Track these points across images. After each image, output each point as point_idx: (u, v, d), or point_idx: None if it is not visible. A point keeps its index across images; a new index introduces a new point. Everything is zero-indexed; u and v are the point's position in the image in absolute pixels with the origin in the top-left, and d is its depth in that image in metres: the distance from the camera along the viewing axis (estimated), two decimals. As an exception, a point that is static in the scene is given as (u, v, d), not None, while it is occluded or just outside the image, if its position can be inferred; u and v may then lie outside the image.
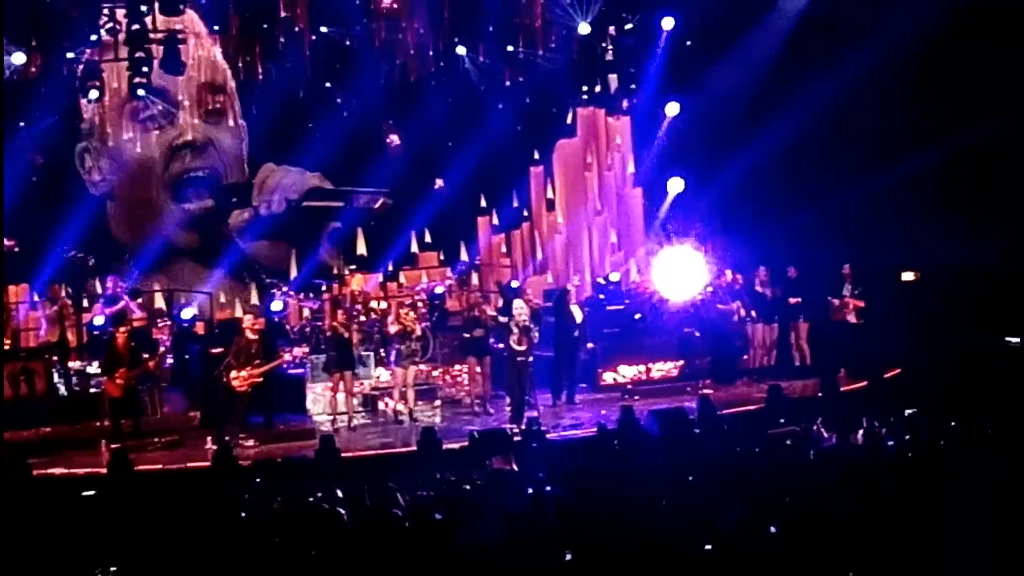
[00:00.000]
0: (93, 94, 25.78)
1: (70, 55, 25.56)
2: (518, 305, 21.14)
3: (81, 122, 26.91)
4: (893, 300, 24.26)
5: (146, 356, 21.23)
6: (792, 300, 24.00)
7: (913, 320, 23.69)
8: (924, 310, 23.95)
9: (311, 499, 12.57)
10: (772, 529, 9.69)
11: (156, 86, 26.15)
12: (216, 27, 27.02)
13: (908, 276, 25.08)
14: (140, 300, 24.99)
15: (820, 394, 20.71)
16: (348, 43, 27.49)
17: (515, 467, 14.96)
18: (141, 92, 25.80)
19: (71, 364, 23.15)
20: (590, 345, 23.42)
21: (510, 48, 27.81)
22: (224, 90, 27.76)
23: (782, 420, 18.09)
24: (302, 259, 27.41)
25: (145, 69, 25.36)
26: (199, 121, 27.56)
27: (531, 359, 20.94)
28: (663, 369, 24.02)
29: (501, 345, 21.55)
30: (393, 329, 21.91)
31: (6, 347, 23.20)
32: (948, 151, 24.02)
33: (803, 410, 18.45)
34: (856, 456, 13.62)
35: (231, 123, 27.91)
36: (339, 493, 12.66)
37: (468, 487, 13.66)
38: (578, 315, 22.90)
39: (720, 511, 10.37)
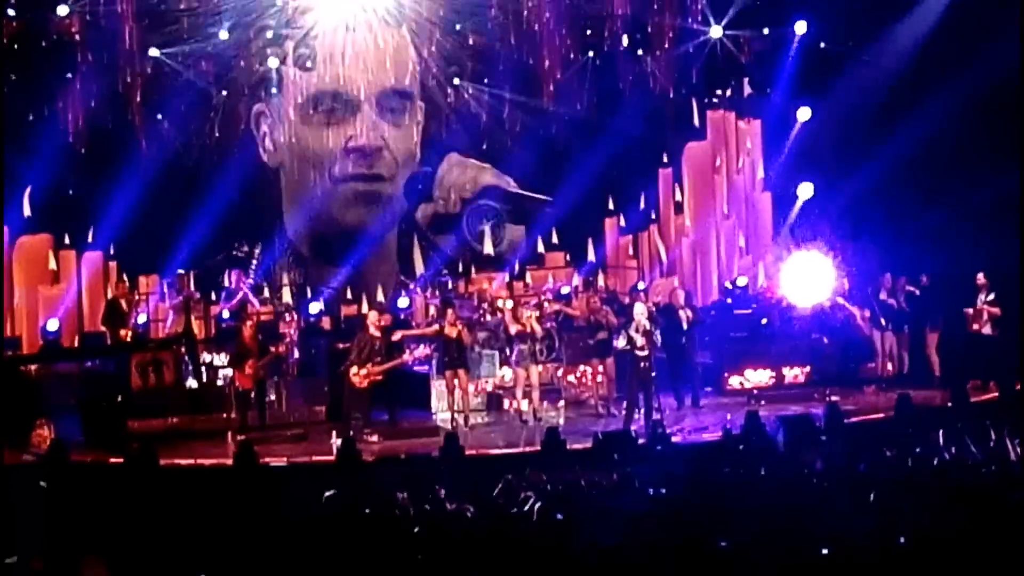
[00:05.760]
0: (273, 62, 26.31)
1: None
2: (639, 309, 20.99)
3: (260, 86, 27.18)
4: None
5: (273, 348, 21.44)
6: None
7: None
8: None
9: (436, 497, 12.60)
10: (901, 540, 9.56)
11: (336, 79, 26.56)
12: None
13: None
14: (266, 294, 25.29)
15: (950, 404, 20.38)
16: (477, 41, 27.57)
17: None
18: (309, 64, 26.22)
19: (201, 356, 23.43)
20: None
21: (640, 52, 27.72)
22: (409, 95, 27.90)
23: (910, 430, 17.80)
24: (428, 256, 27.57)
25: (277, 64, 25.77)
26: (376, 121, 27.67)
27: (652, 363, 20.75)
28: (790, 375, 23.80)
29: (626, 347, 21.28)
30: (513, 329, 21.91)
31: (127, 338, 23.58)
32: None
33: (932, 420, 18.15)
34: (985, 469, 13.39)
35: (408, 122, 28.05)
36: (442, 493, 12.66)
37: (590, 488, 13.61)
38: (684, 321, 22.71)
39: (845, 520, 10.26)
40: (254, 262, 26.81)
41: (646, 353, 20.46)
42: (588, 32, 27.61)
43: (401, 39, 27.33)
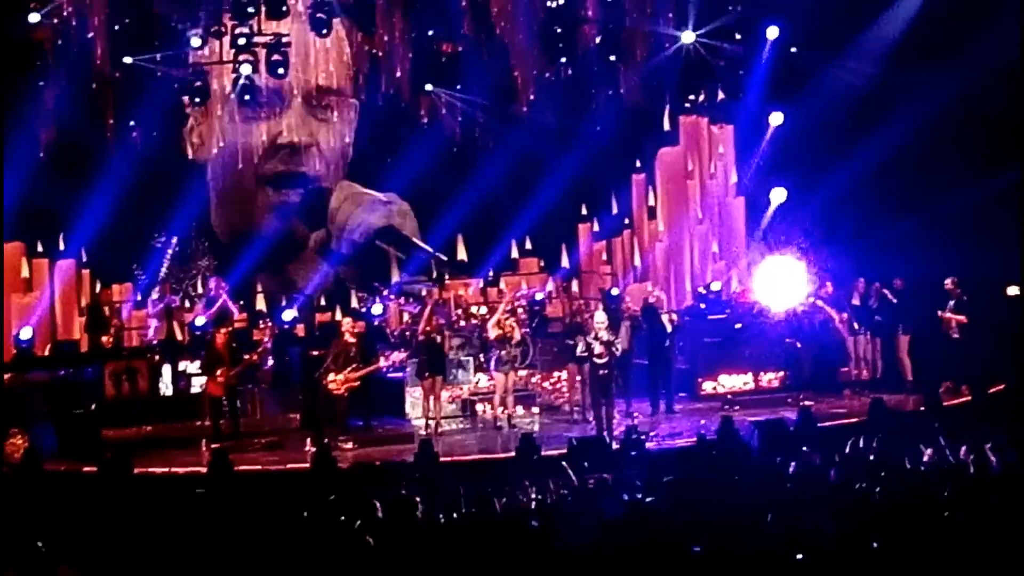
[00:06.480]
0: (197, 99, 26.02)
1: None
2: (598, 317, 20.95)
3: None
4: (1000, 314, 23.82)
5: (247, 356, 21.38)
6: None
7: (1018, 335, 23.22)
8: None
9: (412, 503, 12.61)
10: (874, 544, 9.59)
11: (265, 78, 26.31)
12: (324, 31, 27.06)
13: (1014, 291, 24.66)
14: (241, 302, 25.23)
15: (923, 408, 20.44)
16: (450, 48, 27.50)
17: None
18: (247, 97, 25.96)
19: (180, 364, 23.39)
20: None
21: (612, 57, 27.73)
22: (337, 91, 27.82)
23: (883, 434, 17.84)
24: (403, 267, 27.51)
25: (249, 71, 25.51)
26: (306, 117, 27.62)
27: (612, 370, 20.66)
28: (764, 379, 23.83)
29: (584, 354, 21.20)
30: (493, 334, 21.88)
31: (108, 345, 23.57)
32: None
33: (905, 425, 18.21)
34: (961, 472, 13.44)
35: (339, 120, 27.97)
36: (417, 500, 12.67)
37: (565, 493, 13.63)
38: (668, 324, 22.76)
39: (818, 524, 10.29)
40: (169, 252, 26.73)
41: (604, 361, 20.38)
42: (561, 38, 27.55)
43: (335, 35, 27.19)
